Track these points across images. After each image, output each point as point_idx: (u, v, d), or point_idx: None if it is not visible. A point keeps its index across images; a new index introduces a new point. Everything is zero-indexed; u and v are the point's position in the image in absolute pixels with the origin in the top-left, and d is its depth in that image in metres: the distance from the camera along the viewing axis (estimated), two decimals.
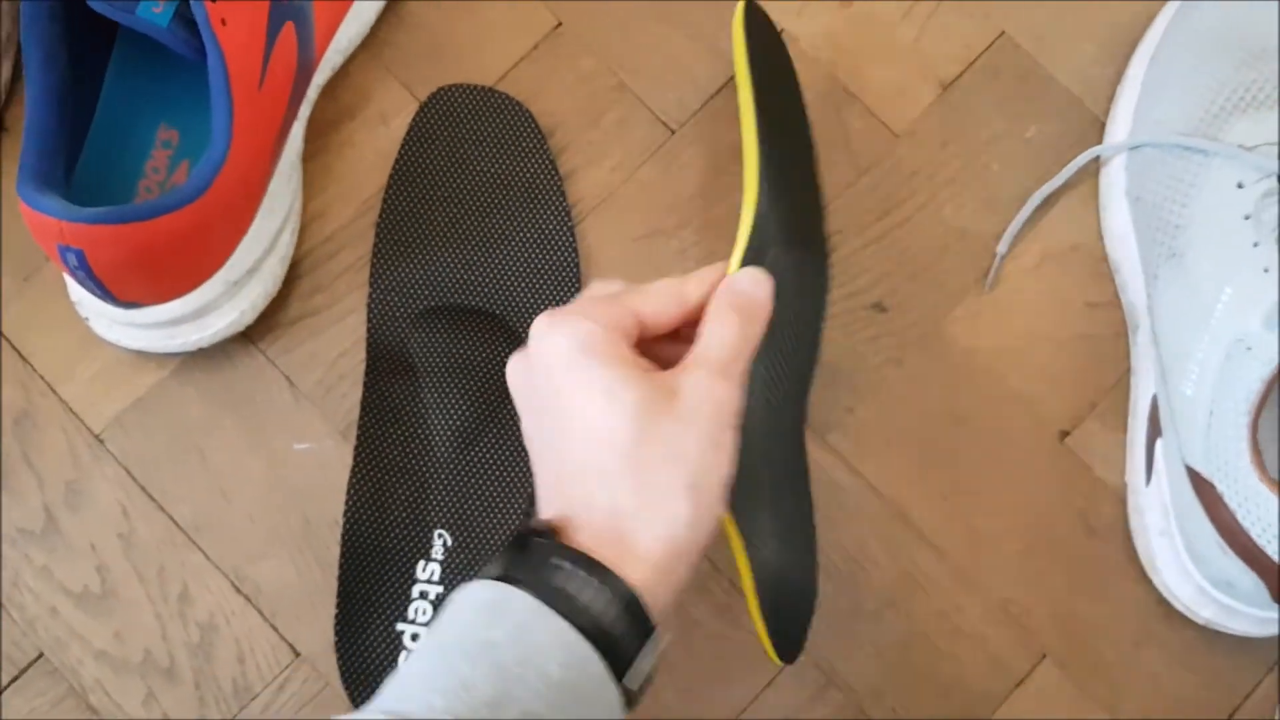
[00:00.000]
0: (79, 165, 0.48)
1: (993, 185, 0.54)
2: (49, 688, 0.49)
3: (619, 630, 0.34)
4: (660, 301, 0.40)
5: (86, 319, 0.50)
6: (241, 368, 0.52)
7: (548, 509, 0.38)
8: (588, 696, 0.34)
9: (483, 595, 0.35)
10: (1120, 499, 0.51)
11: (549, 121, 0.54)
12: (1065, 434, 0.52)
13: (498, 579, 0.35)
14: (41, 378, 0.51)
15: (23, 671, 0.49)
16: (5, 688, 0.49)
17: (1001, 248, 0.53)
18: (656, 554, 0.36)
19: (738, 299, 0.41)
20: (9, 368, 0.51)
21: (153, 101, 0.50)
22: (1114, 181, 0.53)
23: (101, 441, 0.51)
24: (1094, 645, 0.50)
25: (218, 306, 0.49)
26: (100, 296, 0.46)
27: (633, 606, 0.35)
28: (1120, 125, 0.54)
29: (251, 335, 0.52)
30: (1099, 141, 0.55)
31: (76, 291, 0.49)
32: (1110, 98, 0.55)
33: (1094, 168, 0.54)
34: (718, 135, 0.54)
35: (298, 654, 0.49)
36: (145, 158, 0.50)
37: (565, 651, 0.33)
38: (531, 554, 0.35)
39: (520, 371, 0.40)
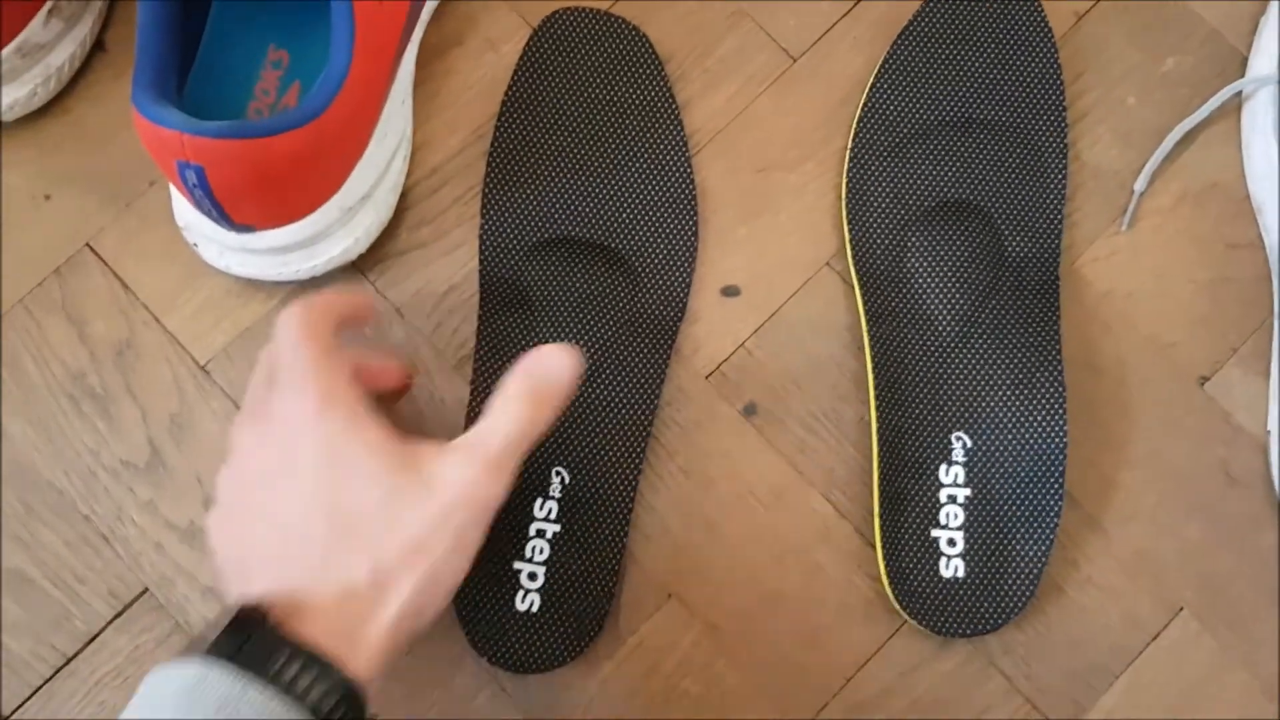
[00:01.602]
0: (187, 87, 0.46)
1: (1129, 120, 0.52)
2: (155, 624, 0.48)
3: (336, 716, 0.33)
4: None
5: (195, 245, 0.48)
6: None
7: (263, 577, 0.36)
8: None
9: (181, 678, 0.33)
10: (1262, 447, 0.49)
11: (662, 49, 0.52)
12: (1205, 380, 0.50)
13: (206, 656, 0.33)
14: (145, 307, 0.50)
15: (127, 606, 0.48)
16: (110, 622, 0.48)
17: (1139, 185, 0.51)
18: (383, 645, 0.35)
19: (534, 382, 0.39)
20: (111, 297, 0.50)
21: (261, 21, 0.49)
22: (1258, 118, 0.51)
23: (207, 373, 0.49)
24: (1233, 599, 0.48)
25: (330, 234, 0.47)
26: (215, 219, 0.44)
27: (351, 697, 0.34)
28: (1264, 58, 0.51)
29: (360, 266, 0.50)
30: (1239, 75, 0.52)
31: (184, 216, 0.48)
32: (1252, 30, 0.53)
33: (1235, 103, 0.52)
34: (841, 64, 0.52)
35: None
36: (255, 79, 0.48)
37: None
38: (253, 642, 0.33)
39: (248, 428, 0.39)
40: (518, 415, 0.39)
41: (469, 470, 0.37)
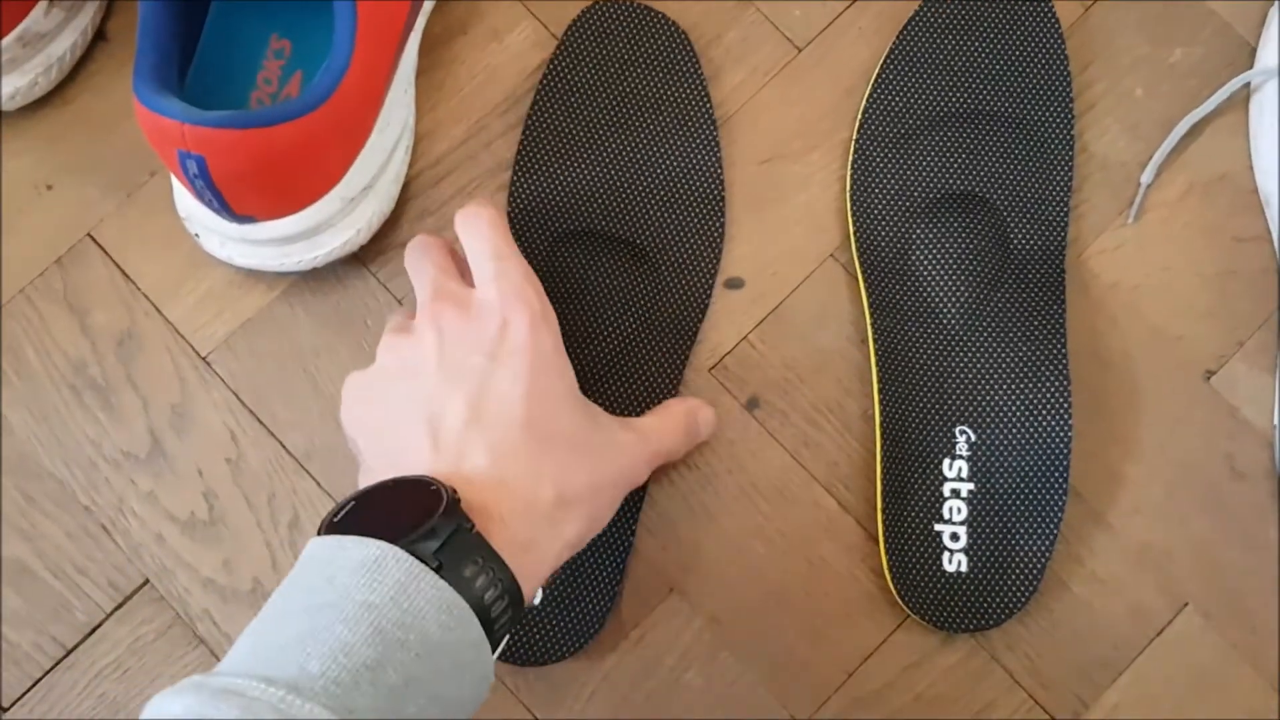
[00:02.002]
0: (189, 77, 0.46)
1: (1137, 111, 0.51)
2: (155, 615, 0.48)
3: (496, 610, 0.34)
4: None
5: (196, 235, 0.48)
6: (353, 290, 0.50)
7: (446, 453, 0.38)
8: (464, 661, 0.33)
9: (358, 554, 0.33)
10: (1268, 442, 0.49)
11: None
12: (1210, 374, 0.49)
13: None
14: (146, 297, 0.50)
15: (128, 598, 0.48)
16: (110, 614, 0.48)
17: (1146, 177, 0.51)
18: (547, 568, 0.37)
19: (698, 421, 0.46)
20: (112, 287, 0.50)
21: (263, 11, 0.48)
22: (1266, 110, 0.51)
23: (209, 364, 0.49)
24: (1239, 593, 0.48)
25: (332, 225, 0.47)
26: (216, 209, 0.44)
27: (516, 604, 0.35)
28: (1272, 50, 0.51)
29: (363, 257, 0.50)
30: (1248, 66, 0.52)
31: (186, 206, 0.47)
32: (1261, 21, 0.52)
33: (1243, 94, 0.52)
34: (846, 54, 0.52)
35: None
36: (257, 68, 0.48)
37: (445, 613, 0.32)
38: (442, 534, 0.34)
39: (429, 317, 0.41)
40: (674, 434, 0.44)
41: (642, 450, 0.42)
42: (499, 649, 0.35)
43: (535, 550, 0.37)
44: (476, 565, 0.34)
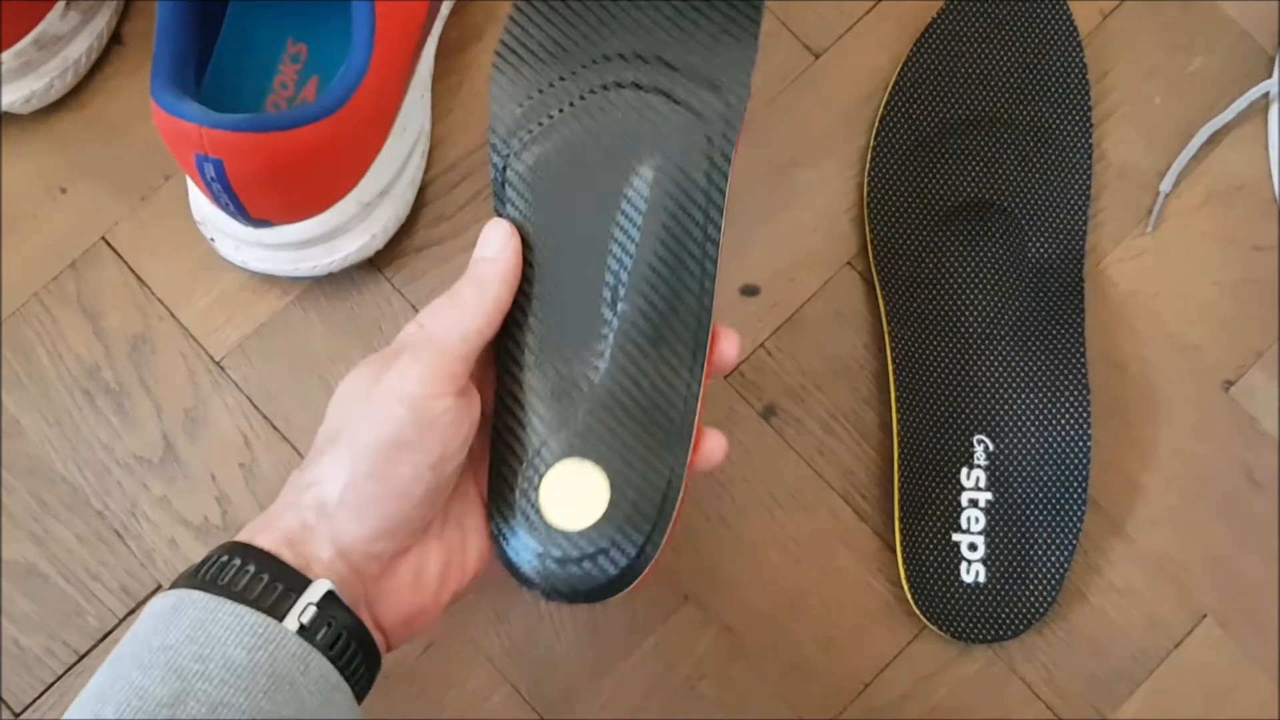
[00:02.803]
0: (205, 80, 0.46)
1: (1155, 119, 0.51)
2: None
3: (313, 620, 0.33)
4: None
5: (211, 239, 0.48)
6: (367, 295, 0.49)
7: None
8: (285, 674, 0.32)
9: (160, 605, 0.33)
10: None
11: None
12: (1229, 384, 0.49)
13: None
14: (160, 301, 0.49)
15: (140, 604, 0.47)
16: (123, 619, 0.47)
17: (1165, 186, 0.50)
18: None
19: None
20: (126, 291, 0.49)
21: (280, 14, 0.48)
22: None
23: (222, 368, 0.49)
24: (1257, 604, 0.48)
25: (348, 229, 0.47)
26: (232, 213, 0.43)
27: (329, 596, 0.33)
28: None
29: (377, 262, 0.50)
30: (1266, 75, 0.52)
31: (201, 210, 0.47)
32: (1279, 29, 0.52)
33: (1262, 103, 0.51)
34: (864, 61, 0.52)
35: None
36: (273, 72, 0.48)
37: (249, 634, 0.32)
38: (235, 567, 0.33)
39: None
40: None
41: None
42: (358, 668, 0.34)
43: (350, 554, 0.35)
44: (273, 587, 0.33)
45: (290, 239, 0.46)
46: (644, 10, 0.39)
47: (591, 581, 0.36)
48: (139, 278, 0.50)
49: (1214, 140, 0.51)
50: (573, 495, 0.36)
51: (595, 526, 0.36)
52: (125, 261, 0.50)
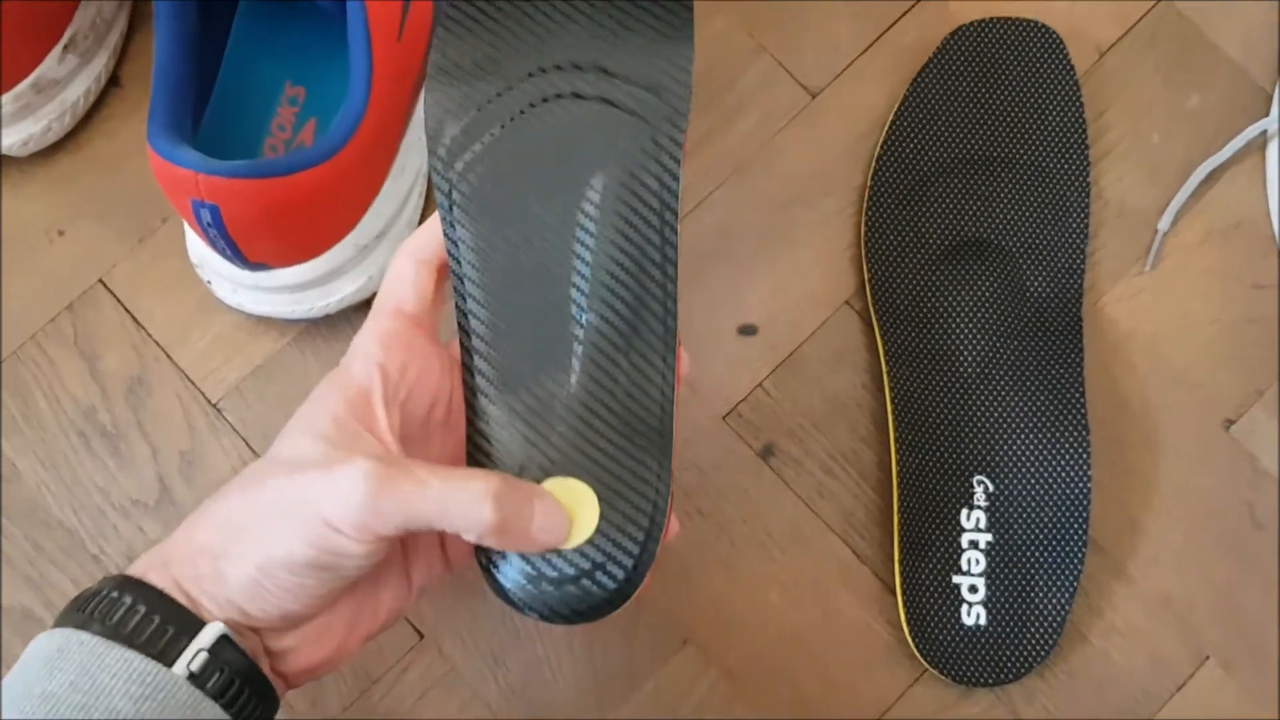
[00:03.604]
0: (203, 122, 0.46)
1: (1153, 157, 0.51)
2: None
3: (206, 668, 0.32)
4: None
5: (208, 282, 0.47)
6: None
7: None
8: None
9: (45, 646, 0.32)
10: None
11: None
12: (1230, 422, 0.49)
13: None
14: (156, 343, 0.49)
15: None
16: None
17: (1163, 224, 0.50)
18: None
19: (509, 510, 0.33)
20: (123, 332, 0.49)
21: (278, 57, 0.48)
22: None
23: (219, 410, 0.49)
24: (1262, 645, 0.47)
25: (345, 272, 0.47)
26: (229, 257, 0.43)
27: (226, 654, 0.32)
28: None
29: None
30: (1264, 112, 0.52)
31: (198, 252, 0.47)
32: (1277, 66, 0.52)
33: (1260, 141, 0.51)
34: (860, 99, 0.52)
35: (421, 636, 0.47)
36: (271, 115, 0.48)
37: (137, 683, 0.31)
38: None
39: None
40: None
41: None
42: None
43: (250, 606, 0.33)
44: (164, 629, 0.32)
45: (287, 282, 0.46)
46: (575, 19, 0.38)
47: (591, 599, 0.35)
48: (136, 319, 0.50)
49: (1212, 178, 0.51)
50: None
51: (588, 542, 0.35)
52: (122, 303, 0.50)
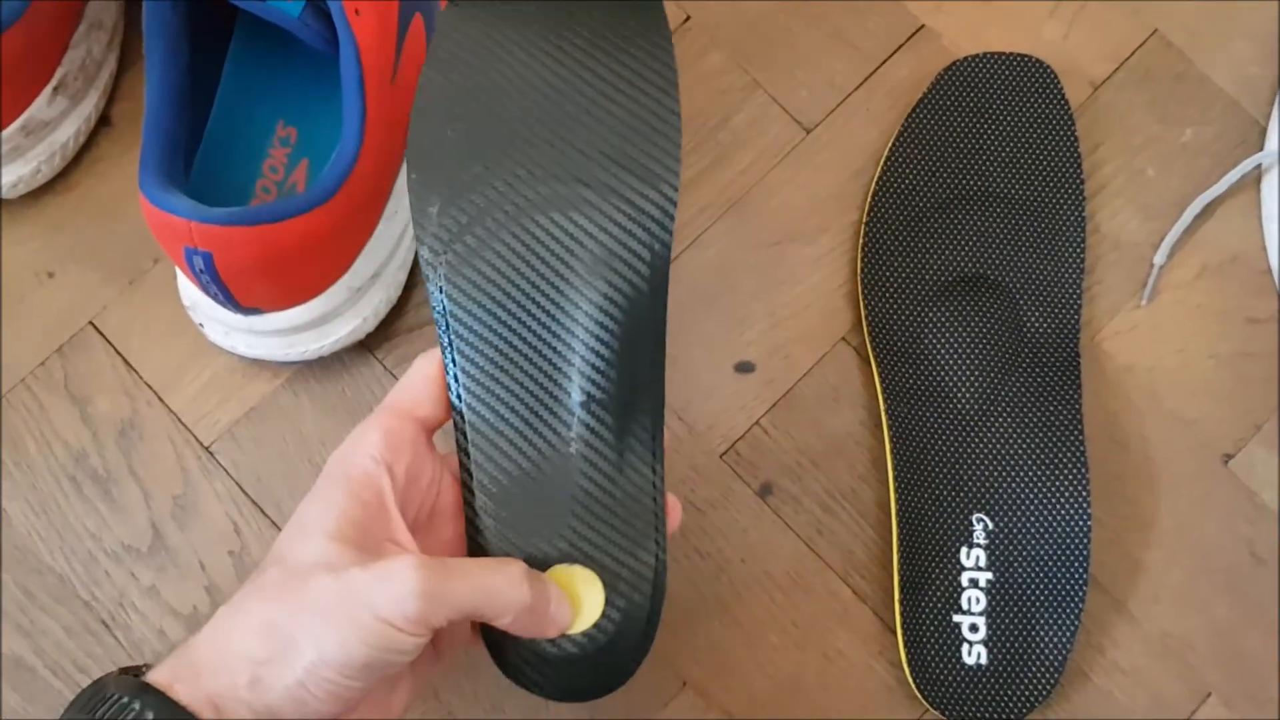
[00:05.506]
0: (195, 164, 0.46)
1: (1148, 191, 0.51)
2: None
3: None
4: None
5: (200, 325, 0.47)
6: (359, 378, 0.49)
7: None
8: None
9: None
10: None
11: None
12: (1229, 457, 0.49)
13: None
14: (148, 386, 0.49)
15: None
16: None
17: (1159, 259, 0.50)
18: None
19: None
20: (114, 376, 0.49)
21: (270, 98, 0.48)
22: (1277, 191, 0.50)
23: (212, 454, 0.48)
24: (1262, 682, 0.47)
25: (339, 314, 0.46)
26: (222, 303, 0.43)
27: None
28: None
29: (369, 344, 0.49)
30: (1259, 146, 0.52)
31: (190, 295, 0.47)
32: (1270, 100, 0.52)
33: (1255, 175, 0.51)
34: (855, 136, 0.52)
35: None
36: (263, 156, 0.47)
37: None
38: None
39: None
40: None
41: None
42: None
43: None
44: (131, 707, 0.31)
45: (281, 325, 0.45)
46: (563, 110, 0.38)
47: (601, 678, 0.37)
48: (127, 362, 0.49)
49: (1207, 212, 0.51)
50: (568, 600, 0.36)
51: (596, 625, 0.36)
52: (113, 346, 0.49)
